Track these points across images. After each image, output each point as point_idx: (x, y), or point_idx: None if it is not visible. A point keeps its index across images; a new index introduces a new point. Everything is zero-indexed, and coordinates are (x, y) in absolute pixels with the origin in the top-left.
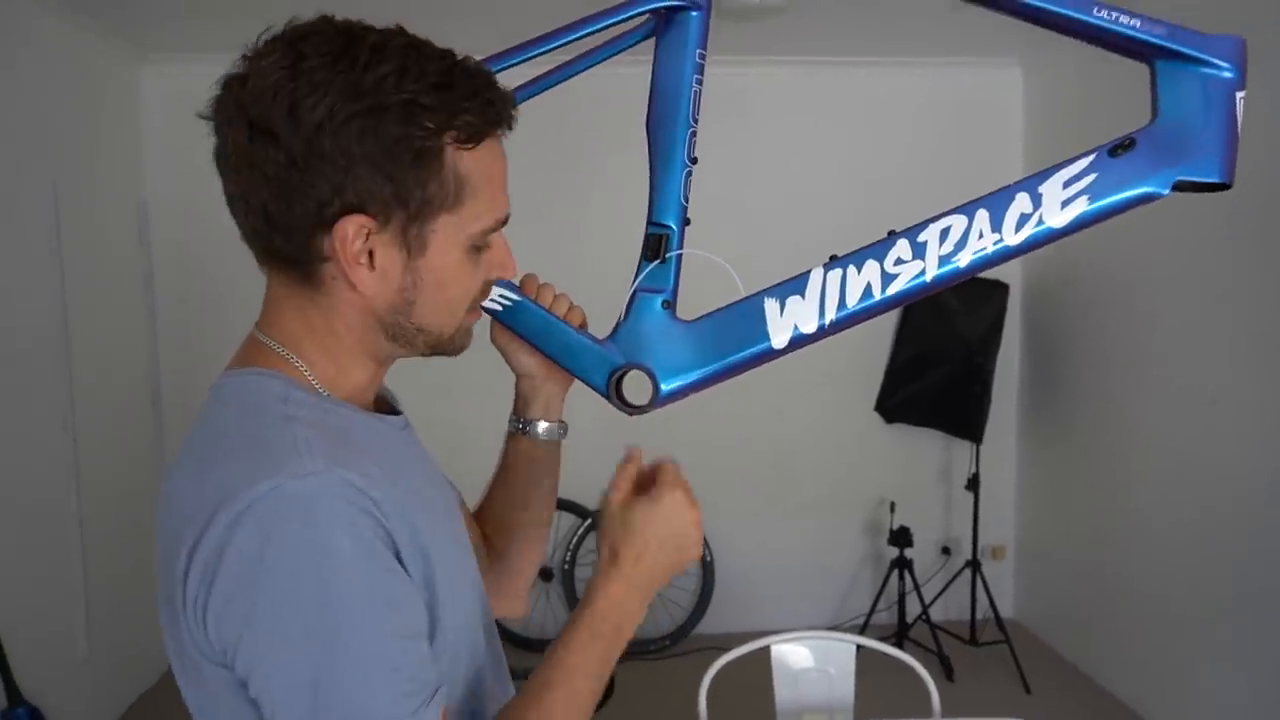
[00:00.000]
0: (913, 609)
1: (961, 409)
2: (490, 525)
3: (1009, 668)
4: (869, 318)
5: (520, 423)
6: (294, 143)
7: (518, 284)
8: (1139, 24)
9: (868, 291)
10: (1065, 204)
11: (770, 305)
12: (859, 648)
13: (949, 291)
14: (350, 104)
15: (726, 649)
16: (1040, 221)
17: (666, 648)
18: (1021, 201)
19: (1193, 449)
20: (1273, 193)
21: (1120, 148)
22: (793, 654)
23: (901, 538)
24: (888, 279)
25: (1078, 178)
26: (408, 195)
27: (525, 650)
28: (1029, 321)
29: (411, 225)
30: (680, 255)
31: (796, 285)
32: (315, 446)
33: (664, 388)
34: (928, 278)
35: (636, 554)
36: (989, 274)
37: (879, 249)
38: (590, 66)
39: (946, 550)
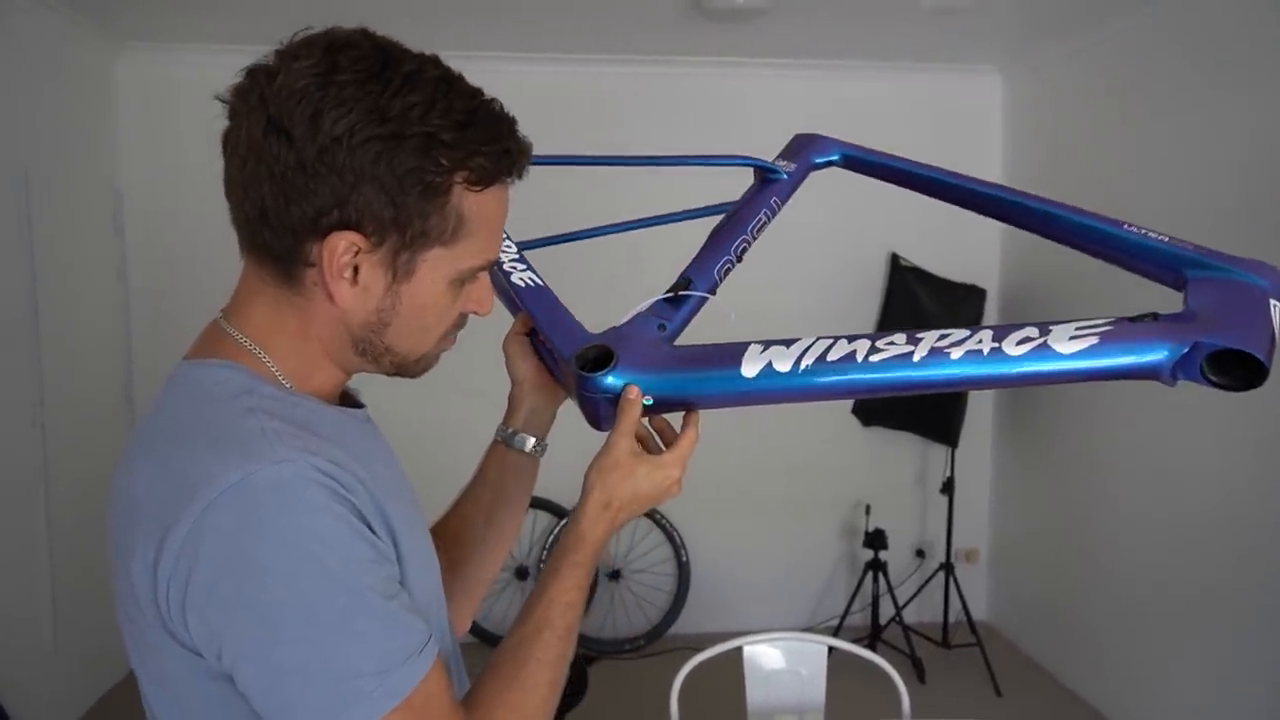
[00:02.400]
0: (886, 611)
1: (938, 413)
2: (453, 534)
3: (980, 670)
4: (841, 388)
5: (504, 431)
6: (308, 148)
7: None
8: (1167, 240)
9: (850, 357)
10: (1073, 338)
11: (754, 347)
12: (831, 649)
13: (928, 296)
14: (373, 126)
15: (701, 650)
16: (1044, 346)
17: (641, 648)
18: (1028, 330)
19: (1163, 455)
20: (1245, 203)
21: (1141, 317)
22: (765, 655)
23: (877, 540)
24: (873, 351)
25: (1091, 326)
26: (407, 223)
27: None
28: None
29: (403, 251)
30: (694, 308)
31: (785, 340)
32: (283, 435)
33: (618, 370)
34: (914, 358)
35: (626, 505)
36: (967, 278)
37: (873, 335)
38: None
39: (921, 553)
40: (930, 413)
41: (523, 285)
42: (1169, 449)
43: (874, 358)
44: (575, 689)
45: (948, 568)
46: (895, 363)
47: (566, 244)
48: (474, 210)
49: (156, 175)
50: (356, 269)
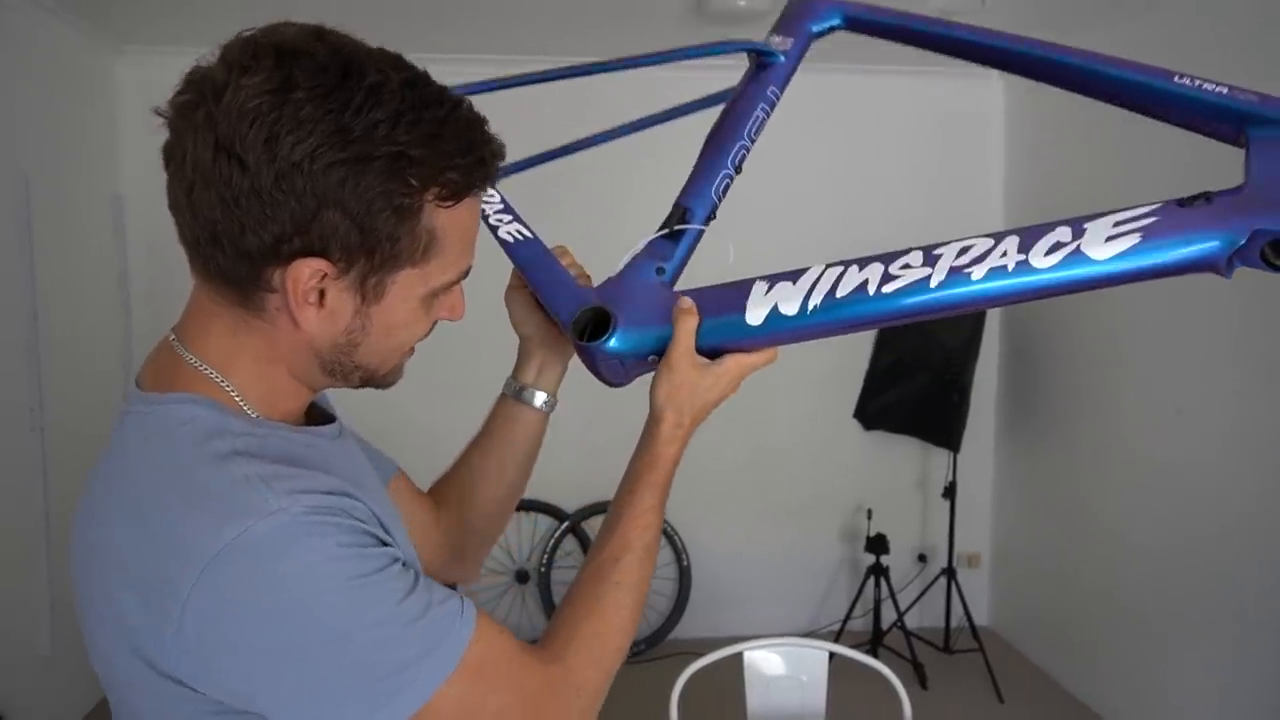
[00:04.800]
0: (888, 616)
1: (940, 417)
2: (459, 491)
3: (982, 676)
4: (856, 323)
5: (513, 386)
6: (264, 174)
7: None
8: (1226, 91)
9: (862, 288)
10: (1110, 239)
11: (759, 285)
12: (832, 655)
13: None
14: (335, 149)
15: (700, 654)
16: (1076, 251)
17: (641, 652)
18: (1060, 232)
19: (1166, 459)
20: None
21: (1193, 199)
22: (765, 661)
23: (878, 545)
24: (887, 279)
25: (1134, 219)
26: (375, 246)
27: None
28: (1008, 331)
29: (372, 275)
30: (692, 242)
31: (792, 274)
32: (267, 480)
33: (619, 333)
34: (932, 283)
35: (697, 417)
36: None
37: (886, 255)
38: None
39: (923, 558)
40: (932, 416)
41: (510, 240)
42: (1173, 453)
43: (888, 287)
44: None
45: (950, 572)
46: (911, 290)
47: (554, 175)
48: (446, 226)
49: (157, 179)
50: (322, 293)
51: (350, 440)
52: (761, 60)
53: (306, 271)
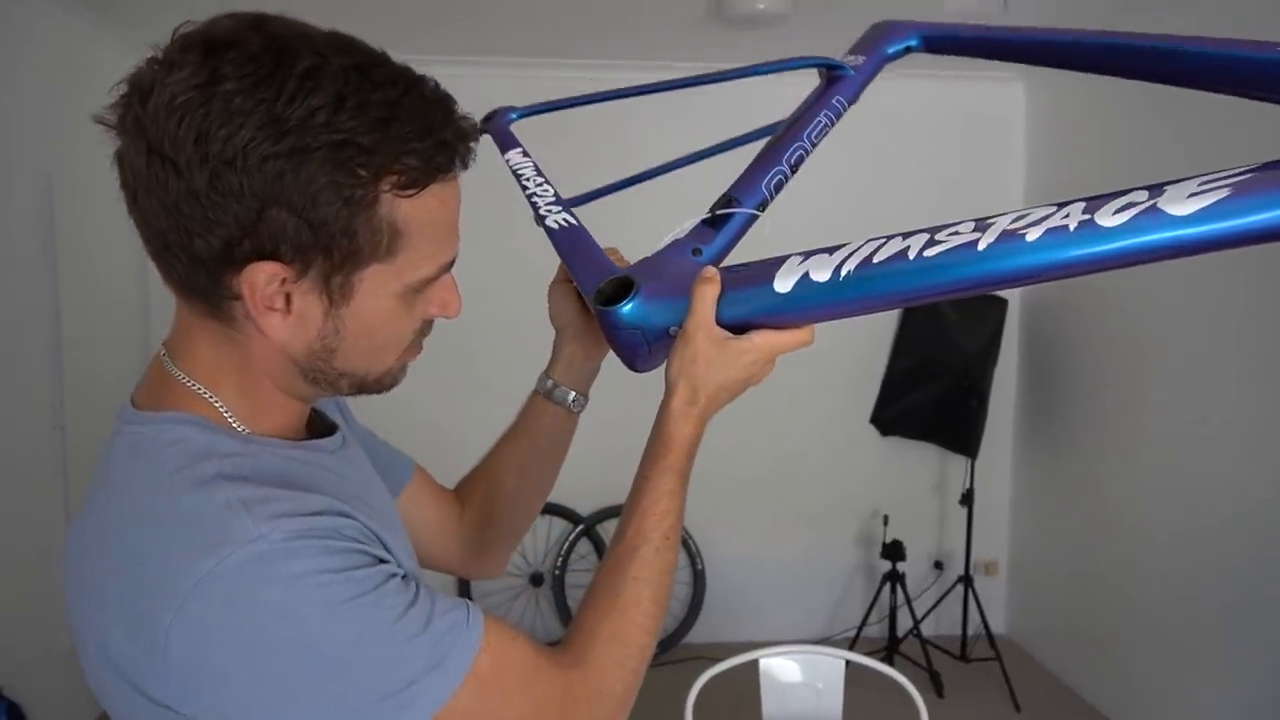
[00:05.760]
0: (904, 623)
1: (957, 423)
2: (486, 488)
3: (999, 685)
4: (894, 294)
5: (544, 382)
6: (197, 177)
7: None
8: None
9: (902, 254)
10: (1194, 195)
11: (794, 257)
12: (848, 662)
13: (947, 304)
14: (269, 144)
15: (715, 659)
16: (1152, 209)
17: (655, 656)
18: (1135, 194)
19: (1187, 467)
20: None
21: None
22: (781, 668)
23: (894, 551)
24: (931, 245)
25: (1224, 176)
26: (330, 244)
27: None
28: (1027, 337)
29: (335, 274)
30: (739, 228)
31: (831, 247)
32: (252, 505)
33: (637, 300)
34: (980, 246)
35: (713, 396)
36: None
37: (939, 226)
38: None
39: (939, 565)
40: (949, 422)
41: (555, 228)
42: (1193, 460)
43: (930, 252)
44: None
45: (967, 580)
46: (956, 254)
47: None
48: (411, 217)
49: None
50: (289, 298)
51: (354, 450)
52: (831, 75)
53: (262, 276)
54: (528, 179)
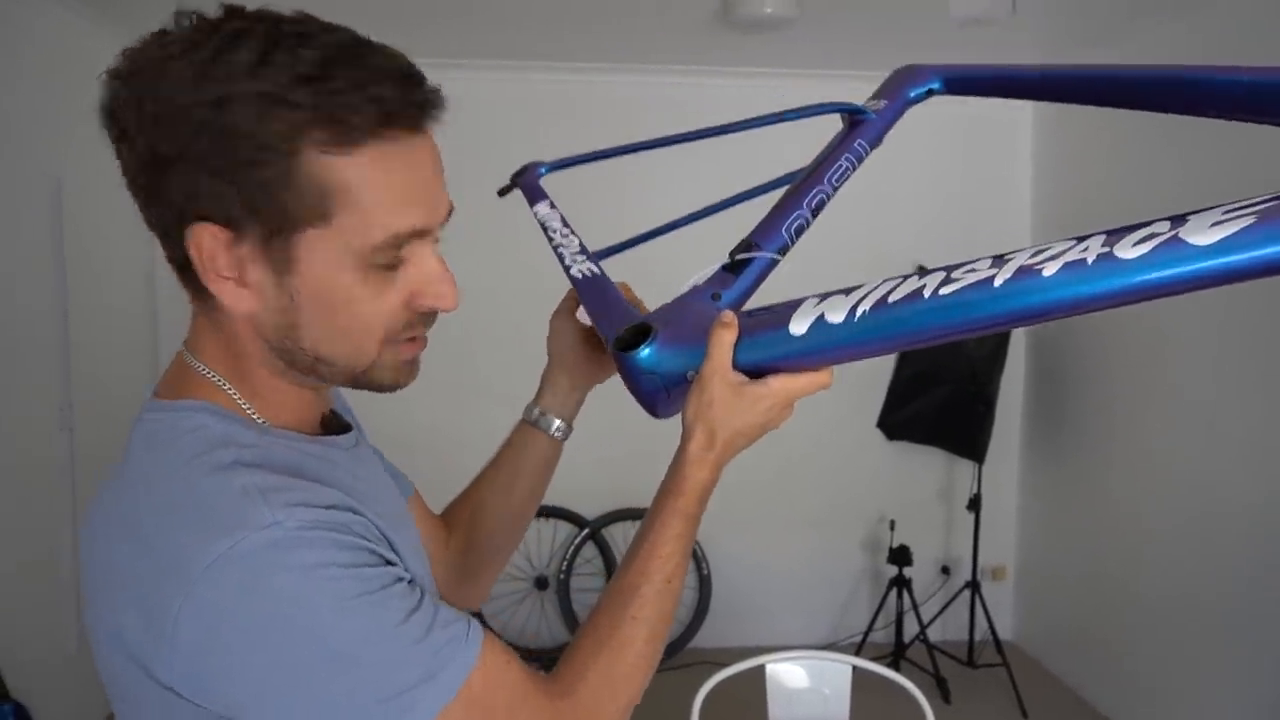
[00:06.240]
0: (910, 629)
1: (964, 428)
2: (470, 512)
3: (1006, 691)
4: (910, 334)
5: (531, 411)
6: (139, 141)
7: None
8: None
9: (917, 293)
10: (1216, 224)
11: (810, 300)
12: (855, 667)
13: None
14: (190, 95)
15: (721, 663)
16: (1173, 239)
17: (660, 660)
18: (1158, 225)
19: (1196, 473)
20: None
21: None
22: (788, 673)
23: (901, 556)
24: (947, 283)
25: (1249, 204)
26: (256, 205)
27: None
28: (1034, 342)
29: (273, 239)
30: (759, 273)
31: (847, 289)
32: (267, 492)
33: (655, 346)
34: (996, 282)
35: (730, 441)
36: None
37: (954, 265)
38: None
39: (946, 570)
40: (956, 427)
41: (580, 277)
42: (1203, 465)
43: (946, 290)
44: None
45: (974, 585)
46: (972, 293)
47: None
48: (347, 177)
49: None
50: (243, 267)
51: (367, 450)
52: (854, 119)
53: (206, 239)
54: (554, 230)
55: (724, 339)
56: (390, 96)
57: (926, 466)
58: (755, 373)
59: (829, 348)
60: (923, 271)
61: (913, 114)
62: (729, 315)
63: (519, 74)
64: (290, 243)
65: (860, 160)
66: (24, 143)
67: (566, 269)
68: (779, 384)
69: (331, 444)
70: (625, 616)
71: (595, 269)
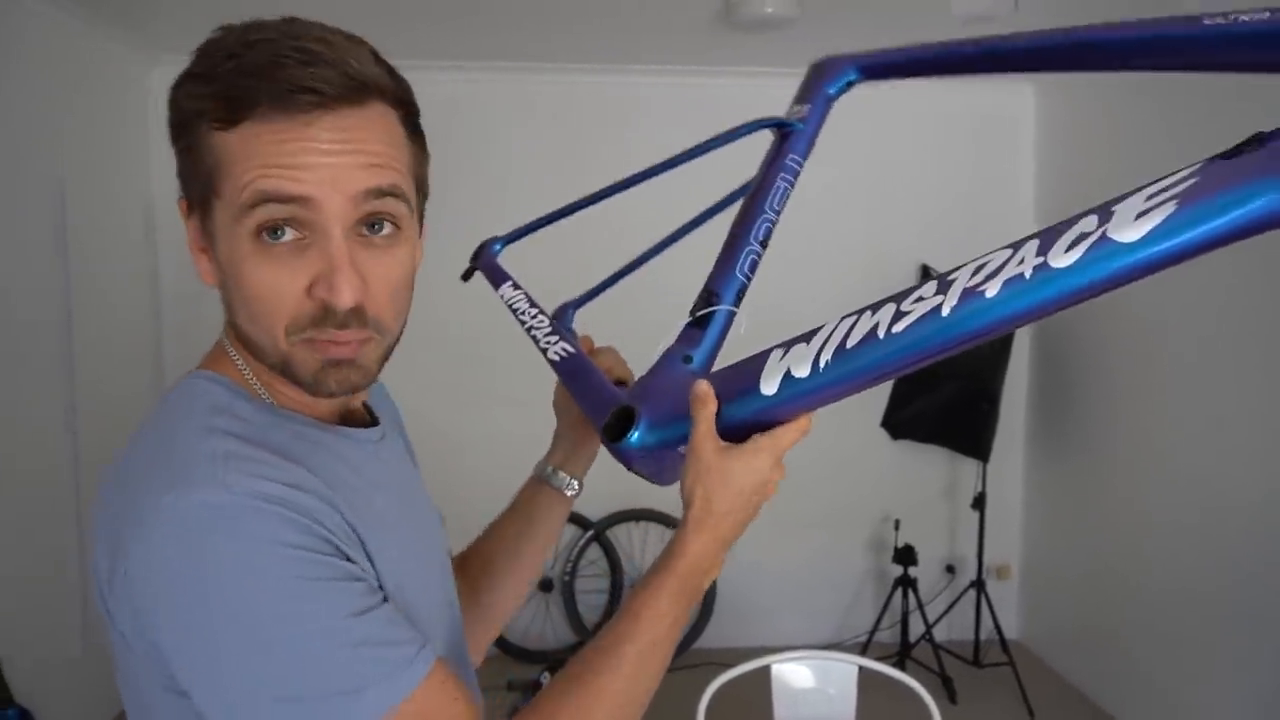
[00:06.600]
0: (916, 628)
1: (968, 427)
2: (480, 563)
3: (1013, 690)
4: (874, 372)
5: (543, 467)
6: None
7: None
8: (1268, 16)
9: (872, 333)
10: (1142, 214)
11: (775, 353)
12: (860, 667)
13: None
14: (175, 87)
15: (726, 664)
16: (1102, 239)
17: None
18: (1084, 223)
19: (1202, 471)
20: None
21: (1242, 145)
22: (793, 673)
23: (906, 556)
24: (898, 318)
25: (1168, 187)
26: (186, 177)
27: (526, 662)
28: (1038, 340)
29: (203, 211)
30: (724, 325)
31: (808, 334)
32: (234, 459)
33: (640, 429)
34: (944, 311)
35: (729, 509)
36: None
37: (903, 292)
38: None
39: (951, 569)
40: (960, 426)
41: (557, 359)
42: (1208, 462)
43: (898, 326)
44: None
45: (979, 585)
46: (923, 326)
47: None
48: (225, 148)
49: None
50: (204, 243)
51: (392, 451)
52: (783, 132)
53: (181, 211)
54: (523, 313)
55: (705, 415)
56: (277, 79)
57: (931, 465)
58: (739, 432)
59: (801, 399)
60: (925, 271)
61: (913, 111)
62: (704, 387)
63: (518, 75)
64: (210, 216)
65: (796, 176)
66: (27, 146)
67: (543, 352)
68: (766, 441)
69: (343, 434)
70: (603, 669)
71: (569, 349)
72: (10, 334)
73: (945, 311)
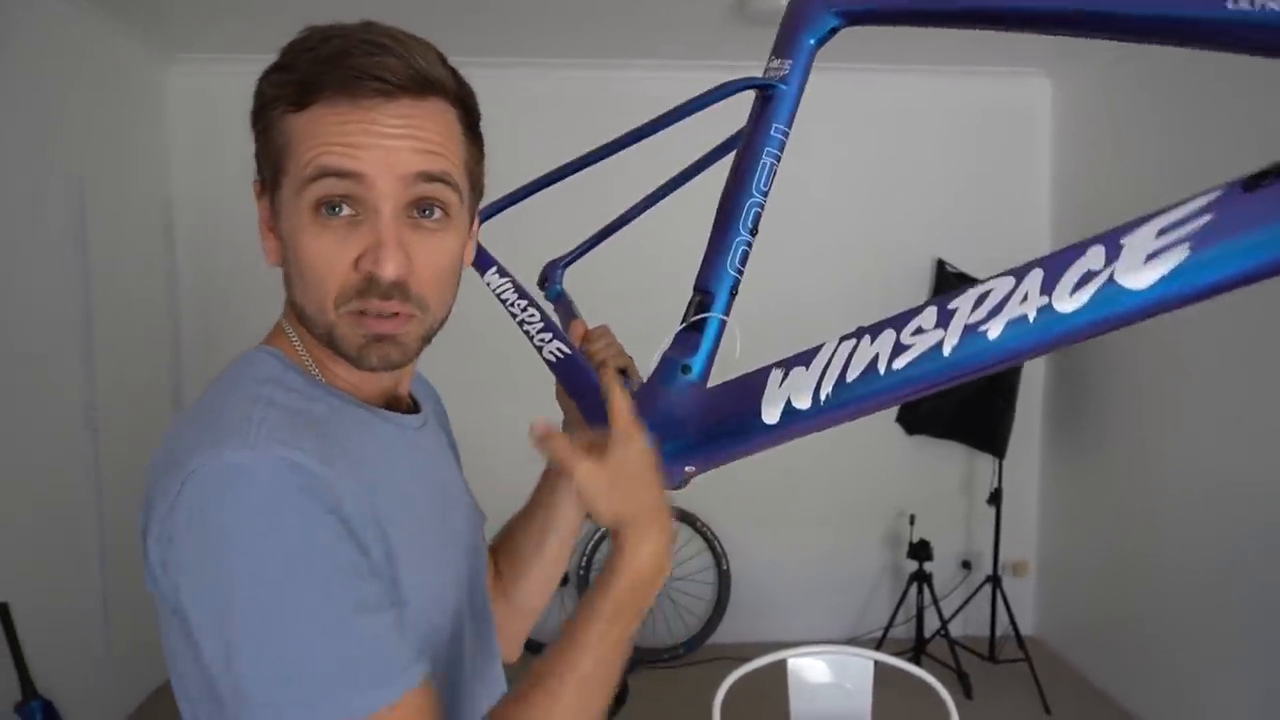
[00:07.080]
0: (931, 624)
1: (985, 422)
2: (505, 558)
3: (1029, 686)
4: (873, 404)
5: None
6: None
7: (512, 282)
8: None
9: (872, 366)
10: (1151, 257)
11: (775, 374)
12: (876, 662)
13: None
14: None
15: (742, 659)
16: (1109, 280)
17: (680, 656)
18: (1092, 256)
19: (1218, 466)
20: None
21: (1262, 175)
22: (809, 668)
23: (921, 551)
24: (898, 350)
25: (1182, 222)
26: (260, 158)
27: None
28: None
29: (275, 192)
30: (719, 328)
31: (806, 355)
32: (268, 426)
33: (666, 458)
34: (945, 351)
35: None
36: None
37: (901, 317)
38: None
39: (967, 565)
40: (976, 421)
41: (552, 360)
42: (1224, 458)
43: (899, 361)
44: (616, 697)
45: (995, 580)
46: (924, 363)
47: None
48: (294, 128)
49: (206, 183)
50: (271, 220)
51: (432, 441)
52: (764, 94)
53: (255, 191)
54: (513, 305)
55: (565, 448)
56: (344, 66)
57: (947, 460)
58: (731, 455)
59: (801, 427)
60: (940, 265)
61: (927, 101)
62: (541, 423)
63: (534, 70)
64: (279, 193)
65: (781, 149)
66: (46, 145)
67: (538, 349)
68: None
69: (385, 416)
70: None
71: (564, 349)
72: (31, 332)
73: (947, 351)
